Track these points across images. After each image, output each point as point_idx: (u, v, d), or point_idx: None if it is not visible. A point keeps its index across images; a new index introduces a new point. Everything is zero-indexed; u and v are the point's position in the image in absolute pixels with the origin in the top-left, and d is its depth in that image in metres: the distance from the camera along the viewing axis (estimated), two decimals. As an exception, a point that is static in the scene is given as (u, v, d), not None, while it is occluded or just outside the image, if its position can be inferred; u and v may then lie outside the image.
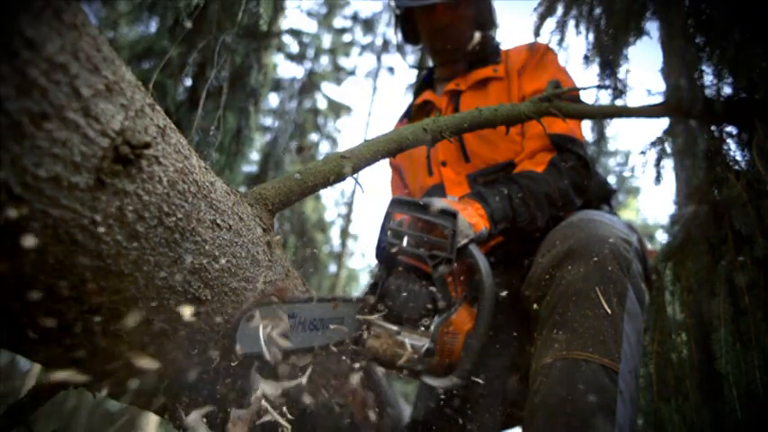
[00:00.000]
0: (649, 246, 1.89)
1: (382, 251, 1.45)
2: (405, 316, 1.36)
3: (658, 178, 1.85)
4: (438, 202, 1.42)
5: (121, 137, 0.69)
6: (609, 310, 1.34)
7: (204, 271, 0.87)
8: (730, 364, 1.39)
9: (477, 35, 2.14)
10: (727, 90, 1.66)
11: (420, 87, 2.29)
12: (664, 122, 1.94)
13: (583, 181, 1.73)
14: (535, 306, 1.47)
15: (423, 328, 1.34)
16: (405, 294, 1.37)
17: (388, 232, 1.45)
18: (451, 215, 1.37)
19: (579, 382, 1.26)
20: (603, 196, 1.96)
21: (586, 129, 2.37)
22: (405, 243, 1.43)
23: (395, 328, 1.34)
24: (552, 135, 1.74)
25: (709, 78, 1.67)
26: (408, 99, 2.34)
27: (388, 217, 1.45)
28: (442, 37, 2.07)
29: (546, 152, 1.77)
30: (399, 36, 2.25)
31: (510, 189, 1.61)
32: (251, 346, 1.02)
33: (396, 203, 1.45)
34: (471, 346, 1.34)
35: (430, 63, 2.38)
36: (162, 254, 0.78)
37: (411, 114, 2.19)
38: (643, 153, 1.89)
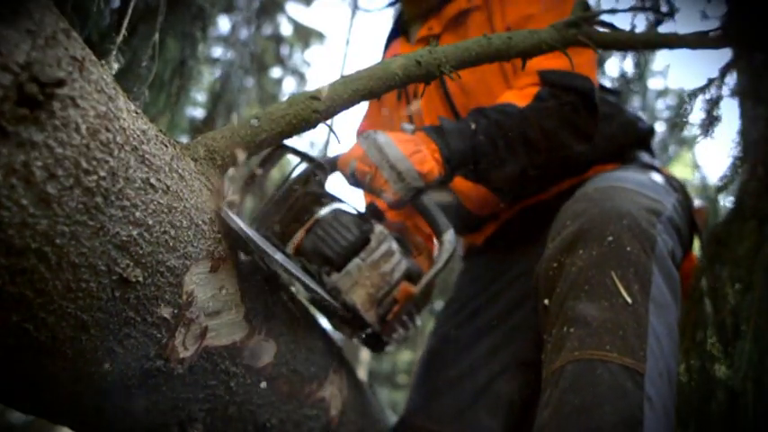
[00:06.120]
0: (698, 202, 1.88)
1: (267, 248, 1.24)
2: (351, 242, 1.43)
3: (711, 128, 1.82)
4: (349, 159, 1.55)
5: (28, 72, 0.68)
6: (629, 299, 1.34)
7: (134, 245, 0.86)
8: (751, 380, 1.38)
9: None
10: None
11: (391, 34, 2.26)
12: (724, 55, 1.92)
13: (584, 123, 1.72)
14: (546, 301, 1.48)
15: (372, 236, 1.44)
16: (325, 233, 1.43)
17: (248, 229, 1.21)
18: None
19: (595, 388, 1.26)
20: (637, 139, 1.98)
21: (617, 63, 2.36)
22: (278, 209, 1.52)
23: (356, 261, 1.40)
24: (543, 72, 1.72)
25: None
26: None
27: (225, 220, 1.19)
28: None
29: (535, 86, 1.74)
30: None
31: (479, 124, 1.62)
32: None
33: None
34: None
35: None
36: (80, 223, 0.77)
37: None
38: (695, 95, 1.87)
